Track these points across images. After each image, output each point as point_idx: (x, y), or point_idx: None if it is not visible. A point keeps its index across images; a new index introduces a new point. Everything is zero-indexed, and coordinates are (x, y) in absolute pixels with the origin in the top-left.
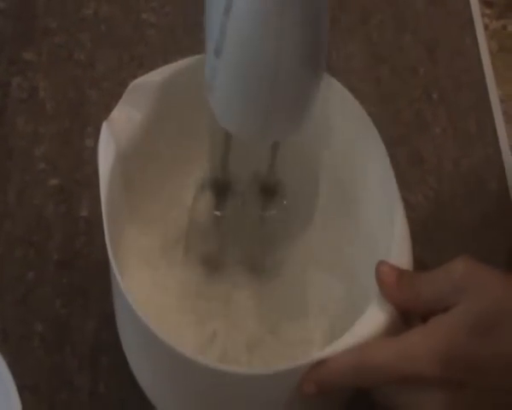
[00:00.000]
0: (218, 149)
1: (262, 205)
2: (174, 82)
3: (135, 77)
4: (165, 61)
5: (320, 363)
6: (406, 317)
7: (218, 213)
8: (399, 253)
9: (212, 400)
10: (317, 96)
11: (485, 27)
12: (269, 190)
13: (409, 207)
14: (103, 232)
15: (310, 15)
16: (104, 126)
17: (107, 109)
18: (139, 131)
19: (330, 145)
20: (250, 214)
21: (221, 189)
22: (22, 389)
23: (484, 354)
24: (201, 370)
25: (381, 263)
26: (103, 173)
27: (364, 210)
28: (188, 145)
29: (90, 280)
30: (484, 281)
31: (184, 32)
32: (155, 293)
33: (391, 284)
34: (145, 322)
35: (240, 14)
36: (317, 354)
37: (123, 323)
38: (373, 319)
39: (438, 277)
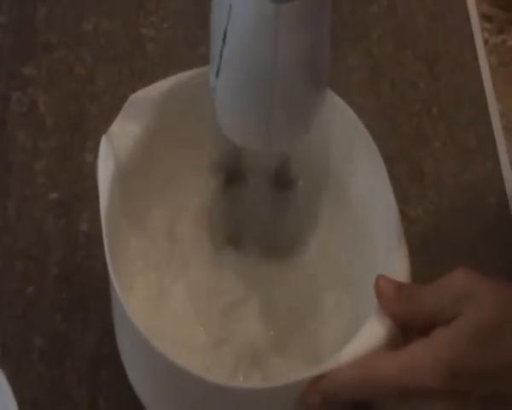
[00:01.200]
0: (228, 145)
1: (273, 197)
2: (173, 95)
3: (134, 91)
4: (165, 75)
5: (324, 375)
6: (404, 331)
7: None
8: (398, 266)
9: None
10: (319, 108)
11: (485, 42)
12: (281, 185)
13: (409, 221)
14: (103, 246)
15: (308, 27)
16: (103, 140)
17: (107, 123)
18: (138, 145)
19: (329, 158)
20: (261, 203)
21: (233, 172)
22: (22, 404)
23: (486, 363)
24: (202, 385)
25: (379, 277)
26: (103, 187)
27: (363, 223)
28: (187, 158)
29: (89, 294)
30: (483, 291)
31: (183, 47)
32: (156, 305)
33: (390, 296)
34: (145, 336)
35: (236, 22)
36: (319, 367)
37: (122, 336)
38: (373, 331)
39: (437, 289)
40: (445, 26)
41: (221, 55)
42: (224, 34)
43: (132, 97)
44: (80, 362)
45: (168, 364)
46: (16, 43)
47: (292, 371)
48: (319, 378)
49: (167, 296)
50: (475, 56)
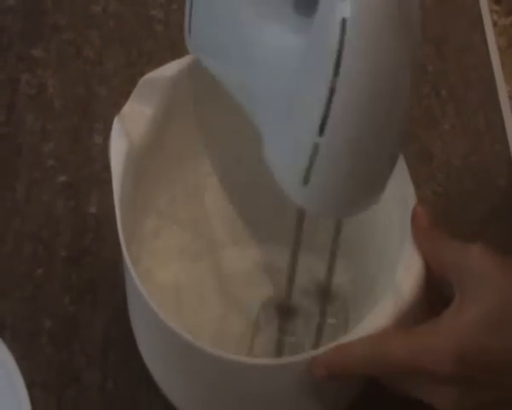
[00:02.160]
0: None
1: (321, 312)
2: (184, 77)
3: (143, 73)
4: (174, 57)
5: (333, 348)
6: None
7: (285, 337)
8: (411, 251)
9: (223, 390)
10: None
11: (494, 24)
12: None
13: (417, 203)
14: (112, 229)
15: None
16: (116, 122)
17: (116, 106)
18: (150, 126)
19: None
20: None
21: (283, 312)
22: (31, 386)
23: (496, 349)
24: (214, 360)
25: (417, 206)
26: (115, 169)
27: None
28: (200, 137)
29: (98, 277)
30: (497, 275)
31: None
32: (169, 285)
33: (422, 226)
34: (159, 315)
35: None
36: (331, 342)
37: (136, 314)
38: (386, 309)
39: (456, 250)
40: (453, 9)
41: (329, 105)
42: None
43: (144, 79)
44: (89, 345)
45: (181, 340)
46: (25, 25)
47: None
48: (330, 350)
49: (179, 281)
50: (484, 38)
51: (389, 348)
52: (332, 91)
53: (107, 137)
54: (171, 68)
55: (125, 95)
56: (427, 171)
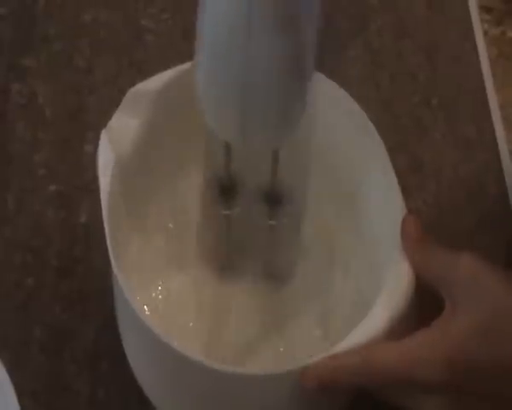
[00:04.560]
0: (218, 151)
1: (269, 213)
2: (173, 88)
3: (134, 83)
4: (165, 67)
5: (324, 360)
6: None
7: (227, 212)
8: (401, 260)
9: (214, 401)
10: (303, 104)
11: (485, 33)
12: (274, 198)
13: (408, 213)
14: (102, 238)
15: (283, 21)
16: (103, 135)
17: (107, 115)
18: (138, 138)
19: (329, 149)
20: (257, 223)
21: (227, 189)
22: (21, 395)
23: (485, 359)
24: (204, 371)
25: (408, 216)
26: (103, 182)
27: (366, 217)
28: (188, 150)
29: (89, 286)
30: (487, 283)
31: (183, 38)
32: (158, 294)
33: (412, 237)
34: (148, 325)
35: (210, 20)
36: (322, 353)
37: (125, 326)
38: (376, 319)
39: (445, 260)
40: (444, 18)
41: (199, 46)
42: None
43: (131, 91)
44: (80, 354)
45: (170, 351)
46: (16, 34)
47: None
48: (321, 362)
49: (168, 292)
50: (475, 48)
51: (379, 358)
52: None
53: (97, 147)
54: (159, 79)
55: (115, 104)
56: (418, 180)
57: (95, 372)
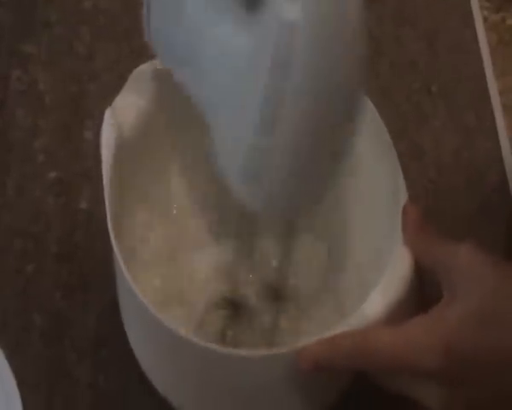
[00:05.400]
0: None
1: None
2: None
3: (134, 69)
4: None
5: (320, 341)
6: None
7: (230, 332)
8: (401, 246)
9: (213, 382)
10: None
11: (485, 20)
12: (280, 296)
13: (408, 200)
14: (102, 224)
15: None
16: (107, 113)
17: (107, 102)
18: (142, 118)
19: None
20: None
21: (232, 307)
22: (21, 382)
23: (482, 347)
24: (202, 351)
25: (408, 204)
26: (106, 160)
27: (368, 203)
28: (191, 130)
29: (89, 272)
30: (486, 273)
31: None
32: (160, 277)
33: (414, 224)
34: (149, 308)
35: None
36: (319, 336)
37: (126, 309)
38: (375, 304)
39: (444, 248)
40: (444, 4)
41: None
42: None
43: (137, 71)
44: (80, 340)
45: (170, 333)
46: (16, 20)
47: None
48: (317, 343)
49: (168, 269)
50: (475, 35)
51: (375, 342)
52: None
53: (97, 133)
54: None
55: (115, 91)
56: (418, 167)
57: (95, 359)
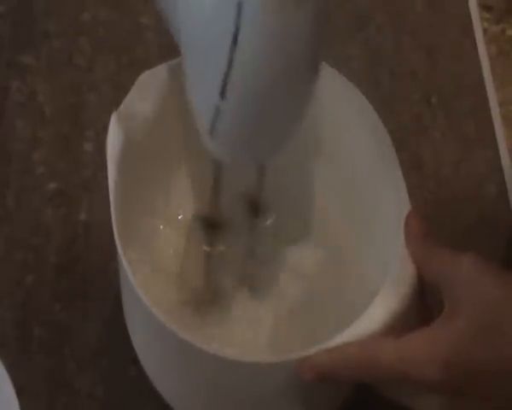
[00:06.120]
0: (206, 188)
1: (251, 224)
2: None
3: (134, 80)
4: None
5: (322, 351)
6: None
7: (208, 249)
8: (404, 256)
9: (218, 388)
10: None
11: (484, 31)
12: (257, 208)
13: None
14: (102, 235)
15: (313, 28)
16: (113, 118)
17: (106, 113)
18: (149, 123)
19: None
20: (241, 238)
21: (210, 225)
22: (21, 393)
23: (483, 360)
24: (209, 358)
25: (411, 213)
26: (111, 166)
27: (372, 213)
28: (198, 135)
29: (89, 283)
30: (488, 285)
31: None
32: (163, 288)
33: (416, 234)
34: (154, 313)
35: (250, 44)
36: (320, 345)
37: (131, 314)
38: (376, 314)
39: (446, 259)
40: (444, 16)
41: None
42: (234, 42)
43: (143, 75)
44: (79, 351)
45: (179, 341)
46: (15, 32)
47: None
48: (319, 353)
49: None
50: (475, 45)
51: (376, 353)
52: (230, 63)
53: (97, 145)
54: (169, 66)
55: (115, 102)
56: (418, 178)
57: (95, 370)
